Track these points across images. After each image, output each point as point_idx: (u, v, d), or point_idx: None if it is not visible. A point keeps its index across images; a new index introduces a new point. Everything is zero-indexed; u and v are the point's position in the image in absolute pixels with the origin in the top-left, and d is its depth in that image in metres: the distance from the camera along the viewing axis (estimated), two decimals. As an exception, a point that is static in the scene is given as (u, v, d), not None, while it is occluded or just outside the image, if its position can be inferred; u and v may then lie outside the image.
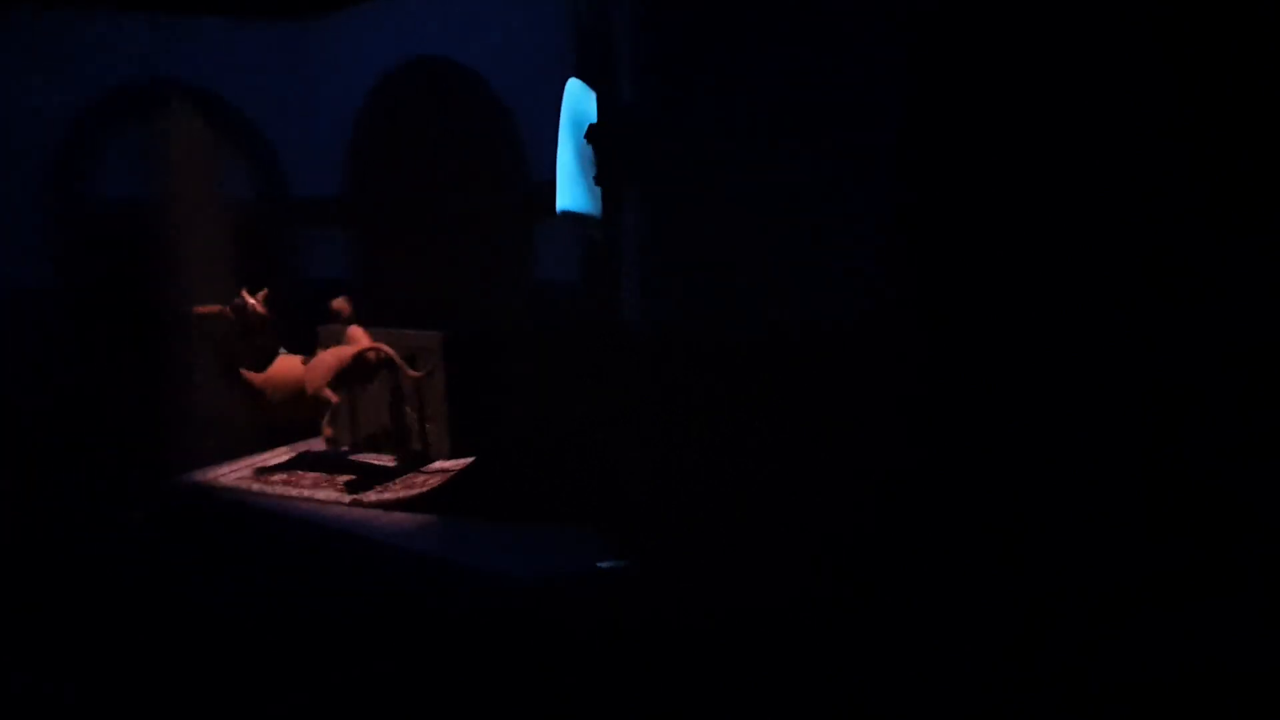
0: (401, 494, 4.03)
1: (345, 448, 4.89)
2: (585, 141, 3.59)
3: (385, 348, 4.28)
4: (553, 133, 4.58)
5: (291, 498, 4.18)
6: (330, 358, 4.23)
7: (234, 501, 4.25)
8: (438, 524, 3.71)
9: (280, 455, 4.92)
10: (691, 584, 2.75)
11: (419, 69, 5.14)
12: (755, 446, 2.53)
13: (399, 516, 3.87)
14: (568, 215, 3.79)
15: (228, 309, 4.39)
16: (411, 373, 4.23)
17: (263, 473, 4.50)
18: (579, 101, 3.76)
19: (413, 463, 4.54)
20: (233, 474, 4.59)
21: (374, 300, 5.47)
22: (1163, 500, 2.04)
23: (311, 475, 4.49)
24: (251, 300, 4.41)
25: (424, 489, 4.00)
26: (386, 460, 4.69)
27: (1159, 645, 1.99)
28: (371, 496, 4.07)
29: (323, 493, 4.21)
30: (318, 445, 5.12)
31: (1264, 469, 1.88)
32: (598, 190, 3.72)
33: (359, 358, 4.23)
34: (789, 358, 2.43)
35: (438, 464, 4.55)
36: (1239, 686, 1.88)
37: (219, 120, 5.35)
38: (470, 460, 4.32)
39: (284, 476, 4.48)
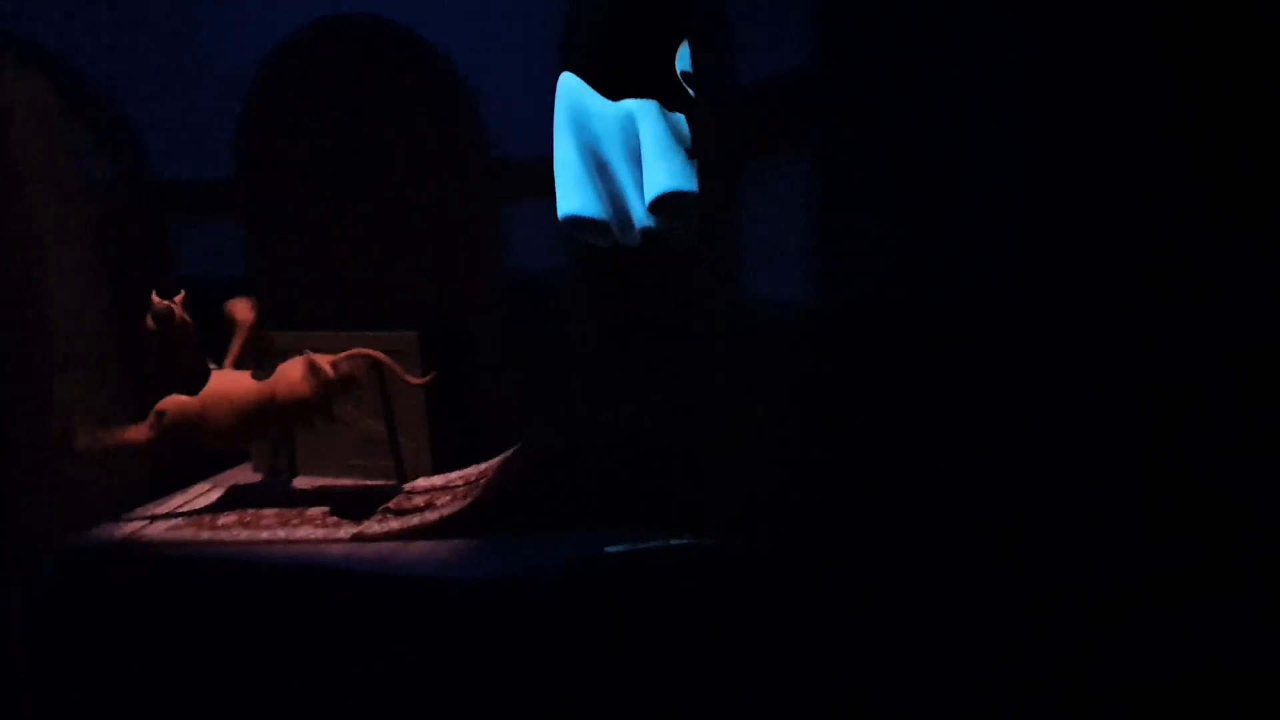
0: (415, 521, 3.47)
1: (286, 475, 4.18)
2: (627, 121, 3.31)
3: (374, 352, 3.65)
4: (519, 103, 4.19)
5: (264, 542, 3.46)
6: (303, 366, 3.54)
7: (184, 559, 3.42)
8: (486, 546, 3.25)
9: (204, 494, 4.07)
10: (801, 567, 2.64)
11: (334, 29, 4.42)
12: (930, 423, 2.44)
13: (423, 546, 3.33)
14: (574, 222, 3.45)
15: (147, 319, 3.52)
16: (412, 379, 3.65)
17: (202, 513, 3.68)
18: (576, 97, 3.43)
19: (393, 484, 3.96)
20: (156, 523, 3.71)
21: (281, 300, 4.68)
22: (1163, 500, 2.07)
23: (269, 513, 3.75)
24: (174, 305, 3.57)
25: (443, 511, 3.48)
26: (349, 483, 4.05)
27: (1159, 645, 1.99)
28: (375, 528, 3.48)
29: (302, 530, 3.53)
30: (243, 477, 4.32)
31: (1264, 469, 1.90)
32: (606, 192, 3.43)
33: (335, 369, 3.58)
34: (932, 335, 2.39)
35: (422, 482, 4.00)
36: (1239, 686, 1.87)
37: (66, 86, 4.24)
38: (479, 472, 3.85)
39: (234, 517, 3.69)
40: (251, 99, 4.52)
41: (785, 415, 2.64)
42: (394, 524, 3.49)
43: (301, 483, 4.14)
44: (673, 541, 3.13)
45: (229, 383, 3.63)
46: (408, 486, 3.95)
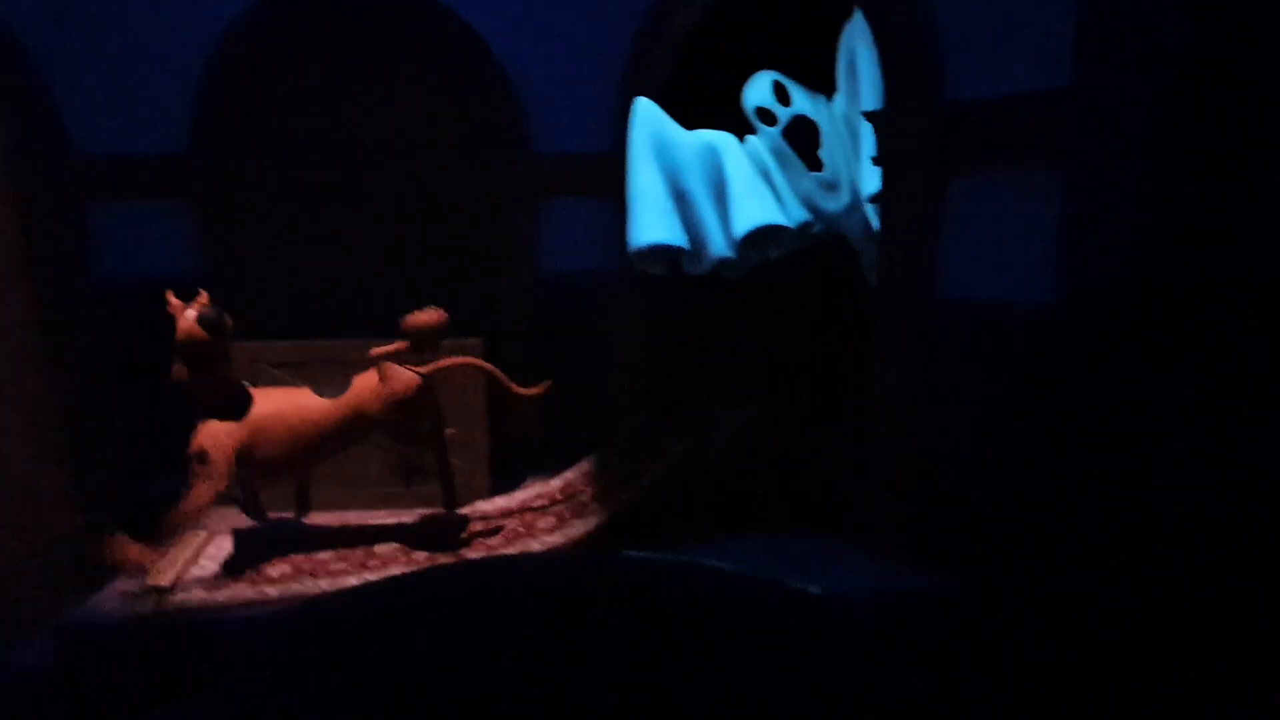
0: (535, 547, 3.13)
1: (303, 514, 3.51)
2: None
3: (479, 361, 3.20)
4: (560, 90, 3.93)
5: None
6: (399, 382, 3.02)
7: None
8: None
9: (208, 541, 3.28)
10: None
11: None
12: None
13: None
14: (656, 251, 3.40)
15: (190, 326, 2.80)
16: (523, 390, 3.25)
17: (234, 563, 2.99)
18: (656, 124, 3.39)
19: (449, 511, 3.50)
20: (181, 584, 2.94)
21: (243, 301, 3.92)
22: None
23: (324, 557, 3.15)
24: (213, 309, 2.88)
25: (569, 532, 3.17)
26: (384, 516, 3.50)
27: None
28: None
29: (394, 572, 3.01)
30: (228, 518, 3.55)
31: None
32: (684, 221, 3.43)
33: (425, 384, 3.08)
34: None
35: (483, 505, 3.59)
36: None
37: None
38: (559, 487, 3.52)
39: (286, 567, 3.05)
40: (220, 59, 3.73)
41: (1012, 413, 2.77)
42: (511, 552, 3.12)
43: (321, 519, 3.49)
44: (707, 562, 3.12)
45: (283, 403, 3.00)
46: (474, 511, 3.52)
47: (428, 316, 3.02)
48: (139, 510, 3.79)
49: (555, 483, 3.66)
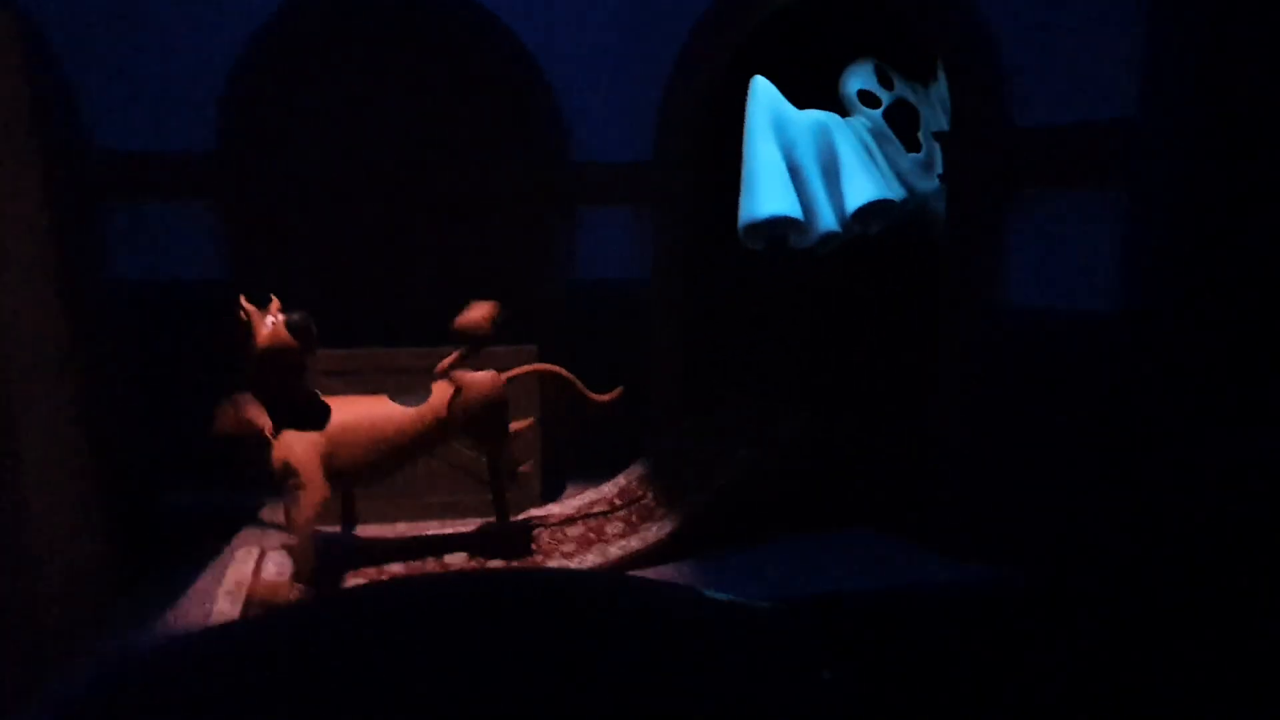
0: (616, 553, 3.15)
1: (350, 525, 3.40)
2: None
3: (558, 369, 3.18)
4: (601, 100, 3.98)
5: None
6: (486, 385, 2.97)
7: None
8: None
9: (259, 558, 3.13)
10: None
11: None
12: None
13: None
14: (770, 224, 3.53)
15: (278, 333, 2.69)
16: (597, 397, 3.24)
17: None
18: (774, 102, 3.55)
19: (508, 519, 3.47)
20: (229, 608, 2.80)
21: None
22: None
23: (395, 569, 3.07)
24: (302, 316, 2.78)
25: (646, 536, 3.20)
26: (436, 526, 3.44)
27: None
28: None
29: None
30: (267, 533, 3.40)
31: None
32: (795, 190, 3.60)
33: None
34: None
35: (534, 513, 3.57)
36: None
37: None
38: (616, 492, 3.54)
39: (360, 581, 2.95)
40: (250, 58, 3.57)
41: (1069, 412, 2.99)
42: (591, 557, 3.13)
43: (373, 531, 3.39)
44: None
45: (362, 411, 2.91)
46: (531, 519, 3.50)
47: (478, 313, 2.99)
48: (163, 522, 3.59)
49: (608, 488, 3.69)
